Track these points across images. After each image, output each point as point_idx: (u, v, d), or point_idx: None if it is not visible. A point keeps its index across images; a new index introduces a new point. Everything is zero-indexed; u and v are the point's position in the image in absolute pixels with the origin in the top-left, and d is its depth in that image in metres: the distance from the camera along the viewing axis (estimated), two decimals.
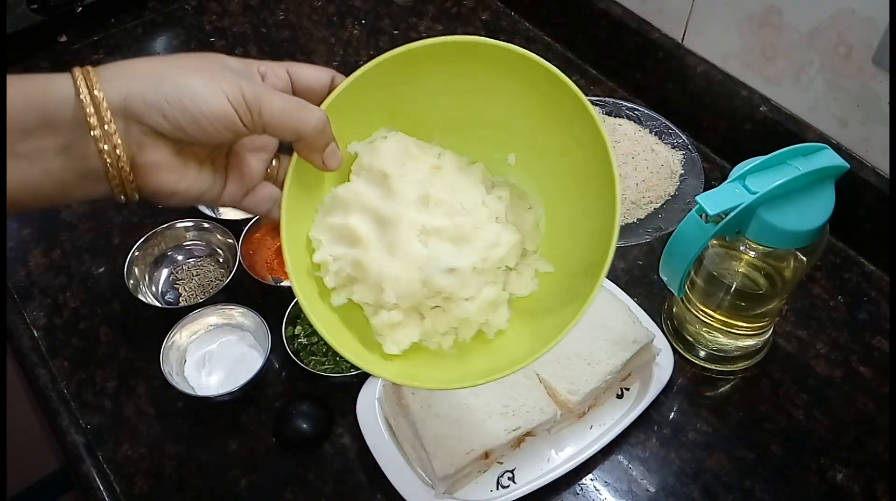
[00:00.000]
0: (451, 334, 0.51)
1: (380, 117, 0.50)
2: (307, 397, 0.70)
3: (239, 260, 0.76)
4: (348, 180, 0.50)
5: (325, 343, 0.72)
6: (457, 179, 0.50)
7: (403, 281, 0.47)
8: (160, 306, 0.78)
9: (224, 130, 0.42)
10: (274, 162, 0.49)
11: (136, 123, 0.41)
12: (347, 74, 0.46)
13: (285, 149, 0.47)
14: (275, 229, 0.72)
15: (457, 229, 0.48)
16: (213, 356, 0.73)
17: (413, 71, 0.48)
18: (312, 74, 0.47)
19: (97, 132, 0.41)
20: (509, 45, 0.47)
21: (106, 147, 0.41)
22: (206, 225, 0.81)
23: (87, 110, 0.41)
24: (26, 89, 0.41)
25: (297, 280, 0.47)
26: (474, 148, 0.52)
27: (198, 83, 0.41)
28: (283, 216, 0.47)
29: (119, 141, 0.41)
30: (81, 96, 0.41)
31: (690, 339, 0.74)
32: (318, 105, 0.46)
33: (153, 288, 0.79)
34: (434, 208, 0.49)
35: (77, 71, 0.41)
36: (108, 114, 0.41)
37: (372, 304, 0.49)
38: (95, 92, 0.41)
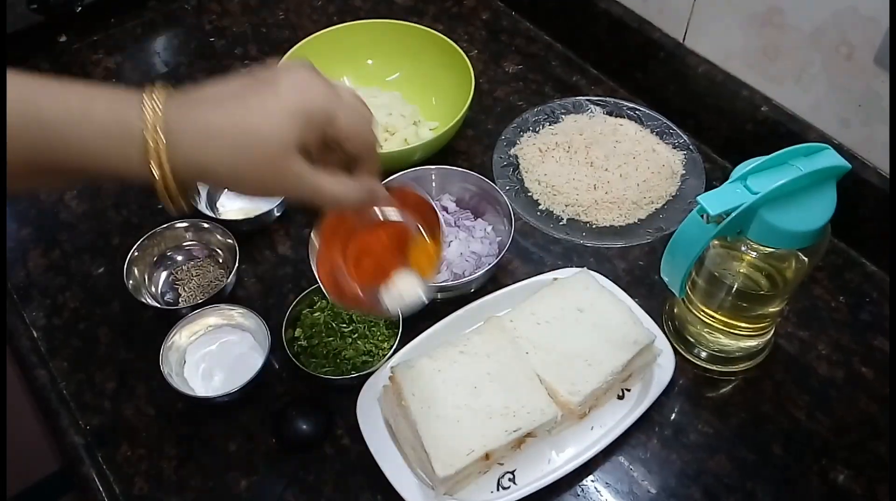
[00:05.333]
0: None
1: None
2: (307, 398, 0.70)
3: (238, 262, 0.76)
4: None
5: (326, 346, 0.72)
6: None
7: None
8: (160, 306, 0.77)
9: None
10: None
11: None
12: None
13: None
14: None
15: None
16: (213, 356, 0.73)
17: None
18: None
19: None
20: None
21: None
22: (205, 225, 0.81)
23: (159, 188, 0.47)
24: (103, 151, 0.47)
25: None
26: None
27: (260, 191, 0.50)
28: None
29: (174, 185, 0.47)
30: (155, 177, 0.47)
31: (692, 340, 0.74)
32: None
33: (153, 289, 0.79)
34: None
35: (152, 156, 0.46)
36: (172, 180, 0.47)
37: None
38: (169, 183, 0.47)
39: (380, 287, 0.59)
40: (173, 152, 0.46)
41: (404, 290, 0.59)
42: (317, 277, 0.57)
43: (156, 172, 0.46)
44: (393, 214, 0.58)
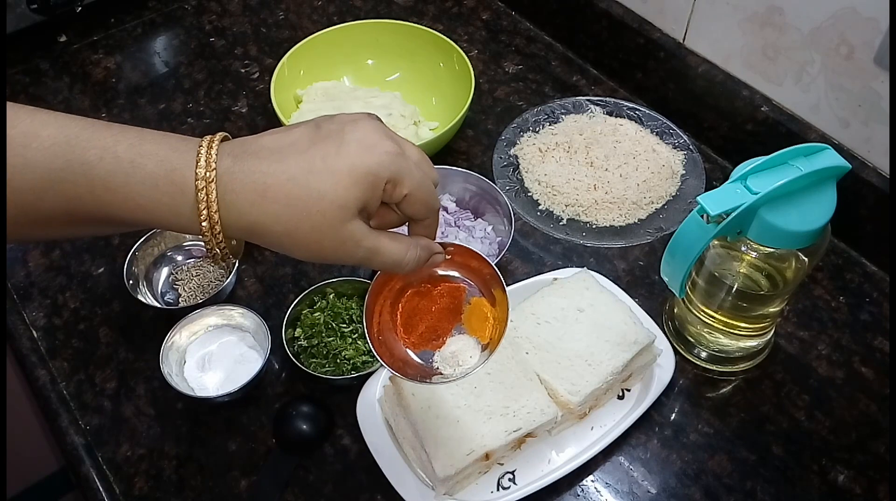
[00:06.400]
0: None
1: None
2: (307, 398, 0.70)
3: (238, 262, 0.76)
4: None
5: (326, 346, 0.72)
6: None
7: None
8: (160, 306, 0.77)
9: None
10: None
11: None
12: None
13: None
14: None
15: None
16: (213, 356, 0.73)
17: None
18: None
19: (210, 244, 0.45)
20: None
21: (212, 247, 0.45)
22: None
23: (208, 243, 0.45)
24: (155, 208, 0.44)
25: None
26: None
27: (311, 252, 0.46)
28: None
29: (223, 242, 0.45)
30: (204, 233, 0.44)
31: (692, 340, 0.74)
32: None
33: (153, 289, 0.79)
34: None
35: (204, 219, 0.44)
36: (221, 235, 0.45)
37: None
38: (219, 238, 0.45)
39: (433, 351, 0.55)
40: (226, 209, 0.43)
41: (459, 354, 0.55)
42: (367, 338, 0.54)
43: (206, 227, 0.43)
44: (449, 272, 0.55)
